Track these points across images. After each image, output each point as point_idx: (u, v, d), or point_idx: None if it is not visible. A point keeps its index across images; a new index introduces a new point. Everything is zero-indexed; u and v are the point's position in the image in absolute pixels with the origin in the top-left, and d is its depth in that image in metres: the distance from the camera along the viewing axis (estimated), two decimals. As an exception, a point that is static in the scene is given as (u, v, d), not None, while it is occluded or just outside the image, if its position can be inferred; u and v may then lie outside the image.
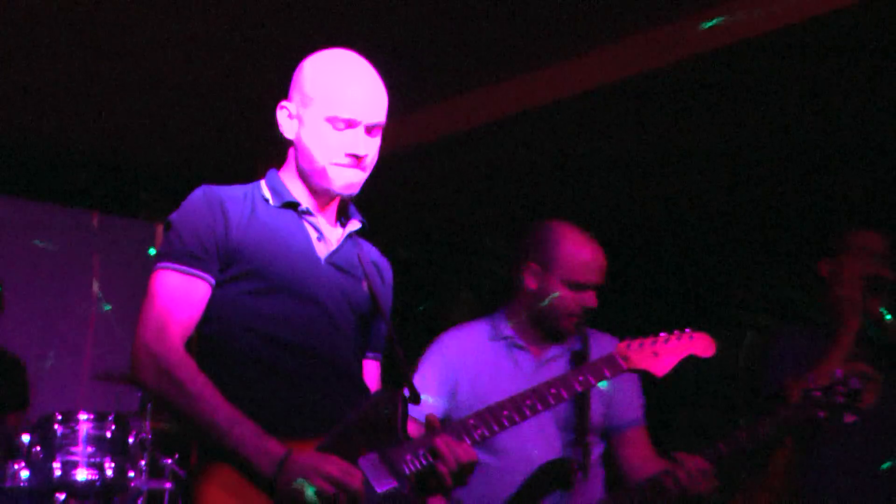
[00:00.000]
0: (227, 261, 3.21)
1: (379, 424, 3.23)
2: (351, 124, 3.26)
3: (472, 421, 3.33)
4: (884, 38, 5.74)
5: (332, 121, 3.26)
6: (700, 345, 3.85)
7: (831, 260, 5.05)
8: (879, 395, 4.76)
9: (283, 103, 3.36)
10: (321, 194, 3.36)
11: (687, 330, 3.87)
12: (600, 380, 3.66)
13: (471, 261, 9.31)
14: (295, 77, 3.38)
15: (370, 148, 3.31)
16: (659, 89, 6.48)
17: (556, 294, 4.27)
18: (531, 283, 4.34)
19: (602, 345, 4.30)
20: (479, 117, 7.03)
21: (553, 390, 3.52)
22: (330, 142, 3.27)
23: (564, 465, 4.24)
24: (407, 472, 3.17)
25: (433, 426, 3.29)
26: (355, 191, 3.34)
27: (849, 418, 4.14)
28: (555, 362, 4.32)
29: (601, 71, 6.39)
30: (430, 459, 3.18)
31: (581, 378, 3.60)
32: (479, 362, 4.34)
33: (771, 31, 5.68)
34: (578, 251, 4.28)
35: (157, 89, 7.10)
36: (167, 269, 3.16)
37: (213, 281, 3.20)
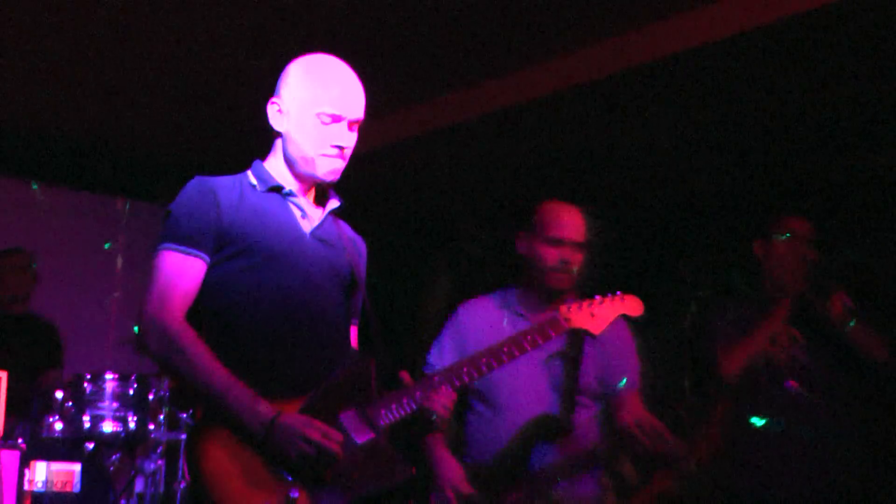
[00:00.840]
0: (220, 241, 3.23)
1: (355, 384, 3.26)
2: (336, 119, 3.29)
3: (436, 378, 3.38)
4: (825, 41, 5.77)
5: (320, 116, 3.28)
6: (630, 305, 3.89)
7: (764, 241, 5.12)
8: (804, 358, 4.86)
9: (274, 99, 3.38)
10: (305, 179, 3.39)
11: (618, 293, 3.90)
12: (546, 339, 3.69)
13: (450, 243, 9.31)
14: (284, 76, 3.39)
15: (351, 140, 3.34)
16: (620, 90, 6.50)
17: (537, 253, 4.34)
18: (522, 249, 4.42)
19: None
20: (459, 116, 7.03)
21: (506, 349, 3.57)
22: (318, 134, 3.29)
23: (550, 420, 4.26)
24: (382, 424, 3.21)
25: (406, 383, 3.33)
26: (336, 177, 3.38)
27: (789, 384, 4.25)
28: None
29: (564, 75, 6.42)
30: (411, 411, 3.26)
31: (529, 338, 3.63)
32: (485, 327, 4.38)
33: (720, 38, 5.71)
34: (554, 211, 4.39)
35: (176, 89, 7.09)
36: (168, 249, 3.19)
37: (208, 259, 3.22)
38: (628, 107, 6.75)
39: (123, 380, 6.61)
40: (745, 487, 4.90)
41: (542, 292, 4.36)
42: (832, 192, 7.51)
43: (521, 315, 4.37)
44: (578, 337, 4.27)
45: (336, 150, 3.31)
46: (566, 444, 4.26)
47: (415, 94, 7.05)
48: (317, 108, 3.29)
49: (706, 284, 7.06)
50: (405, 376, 3.35)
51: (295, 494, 3.02)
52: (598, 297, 3.85)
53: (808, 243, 5.00)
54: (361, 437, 3.16)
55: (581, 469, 4.21)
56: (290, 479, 3.05)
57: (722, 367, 4.72)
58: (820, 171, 7.37)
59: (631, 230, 8.50)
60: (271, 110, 3.38)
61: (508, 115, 6.87)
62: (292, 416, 3.06)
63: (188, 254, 3.19)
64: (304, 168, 3.36)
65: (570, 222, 4.37)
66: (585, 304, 3.82)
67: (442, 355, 4.45)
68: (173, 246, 3.19)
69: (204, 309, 3.24)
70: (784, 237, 5.04)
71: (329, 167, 3.34)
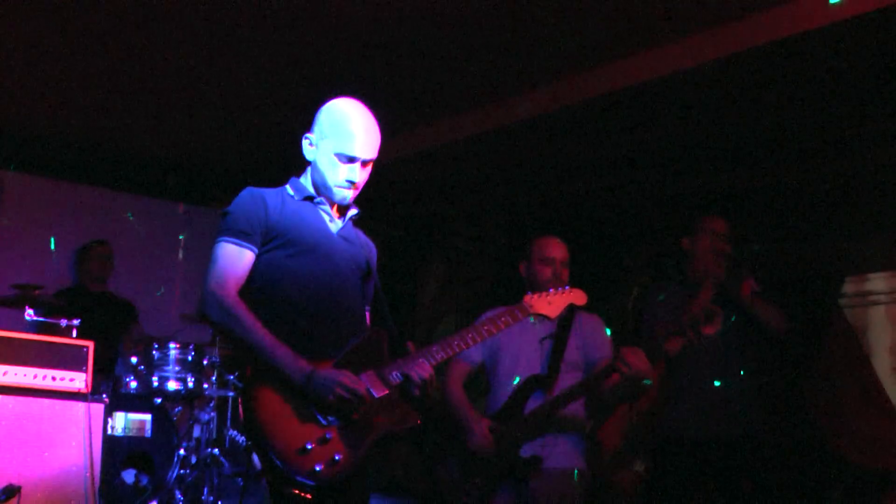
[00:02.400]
0: (267, 236, 3.32)
1: (372, 351, 3.36)
2: (352, 160, 3.39)
3: (434, 348, 3.46)
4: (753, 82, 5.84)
5: (339, 156, 3.38)
6: (576, 296, 4.04)
7: (690, 238, 5.16)
8: (721, 329, 4.90)
9: (307, 134, 3.47)
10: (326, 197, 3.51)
11: (567, 286, 4.07)
12: (516, 320, 3.81)
13: (443, 239, 9.32)
14: (317, 116, 3.48)
15: (363, 176, 3.44)
16: (582, 118, 6.52)
17: (535, 271, 4.71)
18: (523, 272, 4.80)
19: (583, 317, 4.73)
20: (449, 138, 7.05)
21: (486, 327, 3.66)
22: (336, 170, 3.40)
23: (538, 377, 4.54)
24: (394, 383, 3.31)
25: (410, 352, 3.43)
26: (349, 202, 3.49)
27: (707, 330, 4.33)
28: (545, 325, 4.65)
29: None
30: (406, 375, 3.34)
31: (503, 319, 3.76)
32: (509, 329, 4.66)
33: (670, 74, 5.68)
34: (544, 241, 4.78)
35: (231, 111, 7.07)
36: (226, 241, 3.29)
37: (256, 251, 3.31)
38: (589, 131, 6.76)
39: (184, 348, 6.69)
40: (675, 431, 4.95)
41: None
42: (745, 198, 7.56)
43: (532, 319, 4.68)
44: (564, 326, 4.60)
45: (348, 185, 3.41)
46: (551, 395, 4.50)
47: (409, 120, 7.08)
48: (337, 149, 3.38)
49: (645, 272, 7.13)
50: (411, 346, 3.46)
51: (329, 435, 3.12)
52: (552, 290, 4.00)
53: (725, 239, 5.06)
54: (379, 392, 3.25)
55: (564, 403, 4.44)
56: (324, 422, 3.14)
57: (666, 343, 4.77)
58: (735, 182, 7.41)
59: (587, 229, 8.55)
60: (304, 143, 3.47)
61: (488, 137, 6.90)
62: (328, 368, 3.17)
63: (241, 246, 3.29)
64: (323, 192, 3.47)
65: (556, 246, 4.75)
66: (544, 295, 3.95)
67: (475, 348, 4.66)
68: (230, 239, 3.29)
69: (254, 288, 3.32)
70: (705, 234, 5.08)
71: (341, 196, 3.44)
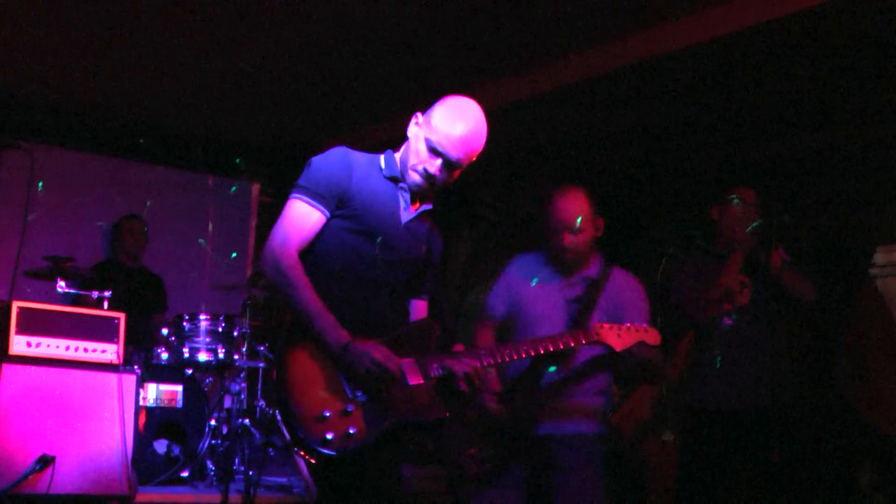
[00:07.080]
0: (340, 203, 3.26)
1: (419, 339, 3.34)
2: (438, 154, 3.29)
3: (482, 351, 3.44)
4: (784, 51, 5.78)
5: (429, 144, 3.28)
6: (650, 336, 3.89)
7: (719, 207, 5.13)
8: (751, 297, 4.87)
9: (418, 113, 3.39)
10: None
11: (646, 324, 3.93)
12: (577, 344, 3.77)
13: (471, 210, 9.31)
14: (433, 106, 3.37)
15: (444, 176, 3.34)
16: (606, 91, 6.51)
17: (552, 236, 4.34)
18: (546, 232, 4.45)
19: (618, 278, 4.34)
20: (480, 106, 7.03)
21: (542, 344, 3.66)
22: (421, 157, 3.30)
23: (556, 351, 4.25)
24: (432, 375, 3.26)
25: (457, 351, 3.39)
26: (417, 191, 3.37)
27: (727, 321, 4.20)
28: (575, 287, 4.30)
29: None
30: (448, 370, 3.28)
31: (564, 341, 3.72)
32: (528, 277, 4.47)
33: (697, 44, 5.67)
34: (553, 205, 4.39)
35: (259, 91, 7.13)
36: (299, 198, 3.24)
37: (328, 215, 3.25)
38: (617, 101, 6.74)
39: (214, 319, 6.70)
40: (705, 401, 4.94)
41: (559, 261, 4.36)
42: (775, 168, 7.52)
43: (558, 273, 4.37)
44: (594, 288, 4.29)
45: (423, 174, 3.32)
46: (572, 365, 4.29)
47: (437, 91, 7.02)
48: (431, 138, 3.29)
49: (674, 242, 7.10)
50: (459, 347, 3.42)
51: (350, 408, 3.11)
52: (628, 324, 3.88)
53: (755, 209, 5.02)
54: (413, 380, 3.21)
55: (580, 380, 4.27)
56: (350, 395, 3.12)
57: (697, 312, 4.71)
58: (765, 151, 7.38)
59: (615, 199, 8.52)
60: (412, 120, 3.39)
61: (516, 108, 6.87)
62: (365, 341, 3.14)
63: (314, 206, 3.23)
64: (401, 170, 3.37)
65: (566, 208, 4.36)
66: (616, 326, 3.85)
67: (497, 296, 4.48)
68: (305, 197, 3.24)
69: (309, 250, 3.28)
70: (736, 203, 5.04)
71: (413, 181, 3.34)
